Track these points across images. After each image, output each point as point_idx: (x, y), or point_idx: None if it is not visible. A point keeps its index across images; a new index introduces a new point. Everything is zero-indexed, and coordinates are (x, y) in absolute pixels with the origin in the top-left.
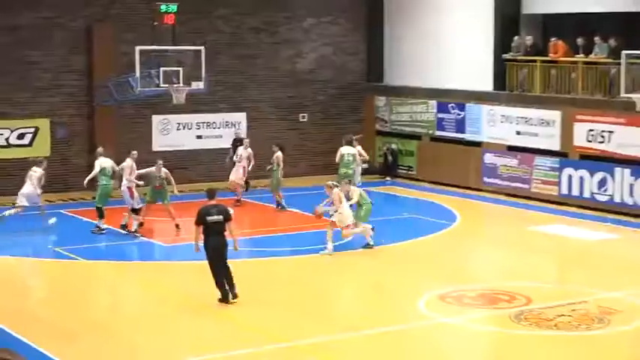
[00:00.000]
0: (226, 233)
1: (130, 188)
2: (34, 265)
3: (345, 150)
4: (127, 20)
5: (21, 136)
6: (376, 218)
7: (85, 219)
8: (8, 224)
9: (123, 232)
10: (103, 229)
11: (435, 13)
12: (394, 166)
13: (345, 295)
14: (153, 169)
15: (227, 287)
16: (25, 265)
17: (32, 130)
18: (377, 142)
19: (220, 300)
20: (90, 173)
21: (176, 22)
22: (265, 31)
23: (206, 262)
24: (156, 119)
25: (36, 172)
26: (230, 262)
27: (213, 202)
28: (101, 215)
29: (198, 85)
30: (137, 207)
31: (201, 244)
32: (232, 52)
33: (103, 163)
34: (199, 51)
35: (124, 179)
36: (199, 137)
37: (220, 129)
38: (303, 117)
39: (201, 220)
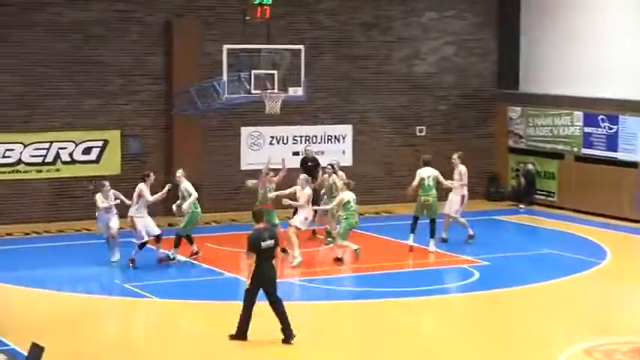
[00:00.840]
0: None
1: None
2: (101, 305)
3: (425, 172)
4: (213, 14)
5: (87, 151)
6: (509, 254)
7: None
8: (74, 255)
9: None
10: (173, 259)
11: (583, 9)
12: (530, 191)
13: (464, 345)
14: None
15: (281, 327)
16: (90, 304)
17: (100, 143)
18: (509, 162)
19: (233, 337)
20: (167, 195)
21: (271, 17)
22: (377, 27)
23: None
24: (245, 132)
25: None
26: (328, 304)
27: (261, 225)
28: (177, 244)
29: (296, 92)
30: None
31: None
32: (337, 53)
33: (188, 187)
34: (298, 51)
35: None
36: (296, 154)
37: (322, 144)
38: (421, 130)
39: (255, 247)
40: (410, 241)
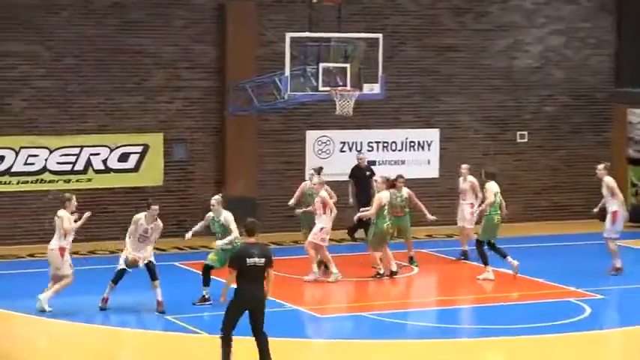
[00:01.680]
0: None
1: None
2: (140, 340)
3: (496, 187)
4: None
5: (124, 158)
6: (628, 285)
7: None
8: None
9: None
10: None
11: None
12: None
13: None
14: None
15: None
16: (128, 339)
17: (139, 149)
18: (629, 175)
19: None
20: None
21: (343, 0)
22: (470, 12)
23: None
24: (312, 136)
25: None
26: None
27: (252, 239)
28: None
29: (373, 89)
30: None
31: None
32: (422, 43)
33: (229, 220)
34: (375, 40)
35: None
36: (372, 163)
37: (403, 151)
38: (522, 136)
39: (236, 262)
40: (513, 268)
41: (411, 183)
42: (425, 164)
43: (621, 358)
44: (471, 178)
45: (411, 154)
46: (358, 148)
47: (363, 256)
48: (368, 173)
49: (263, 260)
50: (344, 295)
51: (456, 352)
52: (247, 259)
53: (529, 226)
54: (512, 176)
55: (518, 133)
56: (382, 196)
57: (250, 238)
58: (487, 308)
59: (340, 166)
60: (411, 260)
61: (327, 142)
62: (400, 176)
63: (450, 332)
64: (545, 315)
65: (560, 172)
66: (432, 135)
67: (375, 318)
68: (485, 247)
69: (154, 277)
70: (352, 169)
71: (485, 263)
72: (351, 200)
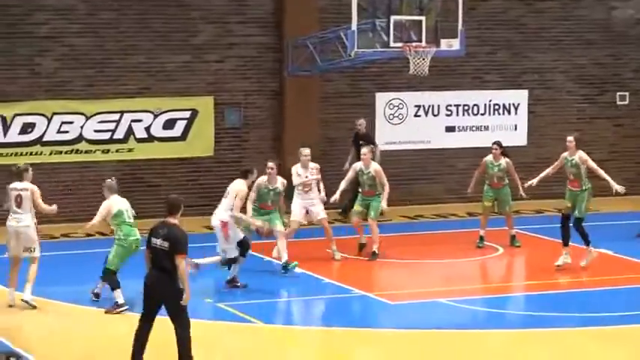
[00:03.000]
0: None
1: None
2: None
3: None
4: None
5: (170, 124)
6: None
7: (266, 257)
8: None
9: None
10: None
11: None
12: None
13: None
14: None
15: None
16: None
17: (187, 114)
18: None
19: None
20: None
21: None
22: None
23: None
24: (382, 99)
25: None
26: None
27: (171, 219)
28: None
29: (452, 45)
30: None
31: None
32: None
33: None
34: None
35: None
36: (451, 129)
37: (486, 116)
38: (623, 98)
39: (147, 243)
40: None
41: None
42: (511, 130)
43: None
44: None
45: (496, 119)
46: (435, 113)
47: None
48: (361, 142)
49: (167, 244)
50: (412, 280)
51: (551, 343)
52: (152, 239)
53: (634, 200)
54: (612, 143)
55: (618, 94)
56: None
57: (169, 216)
58: (586, 294)
59: (415, 133)
60: (512, 240)
61: (400, 106)
62: (497, 143)
63: (543, 321)
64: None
65: None
66: (520, 97)
67: (448, 304)
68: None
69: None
70: (354, 136)
71: (588, 243)
72: (346, 166)
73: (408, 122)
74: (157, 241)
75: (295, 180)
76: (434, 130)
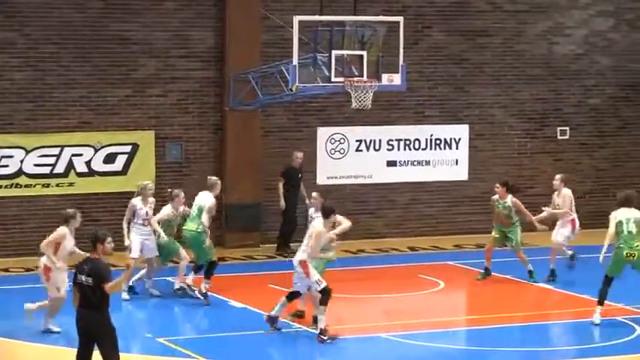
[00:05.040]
0: None
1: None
2: None
3: (624, 214)
4: None
5: (110, 159)
6: None
7: (217, 294)
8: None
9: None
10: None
11: None
12: None
13: None
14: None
15: None
16: None
17: (128, 149)
18: None
19: None
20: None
21: None
22: None
23: None
24: (324, 134)
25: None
26: None
27: (93, 254)
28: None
29: (393, 80)
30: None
31: None
32: (449, 27)
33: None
34: (396, 24)
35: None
36: (392, 164)
37: (428, 150)
38: (564, 133)
39: (73, 280)
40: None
41: (437, 186)
42: (452, 165)
43: None
44: (566, 190)
45: (437, 154)
46: (377, 147)
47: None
48: (300, 175)
49: (91, 280)
50: (353, 315)
51: None
52: (78, 276)
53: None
54: (552, 178)
55: (559, 129)
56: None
57: (92, 251)
58: (523, 328)
59: (356, 168)
60: (530, 274)
61: (342, 141)
62: (500, 182)
63: (478, 356)
64: (588, 335)
65: (607, 173)
66: (461, 132)
67: (397, 340)
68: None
69: None
70: (286, 169)
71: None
72: (282, 203)
73: (350, 157)
74: (82, 278)
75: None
76: (375, 165)
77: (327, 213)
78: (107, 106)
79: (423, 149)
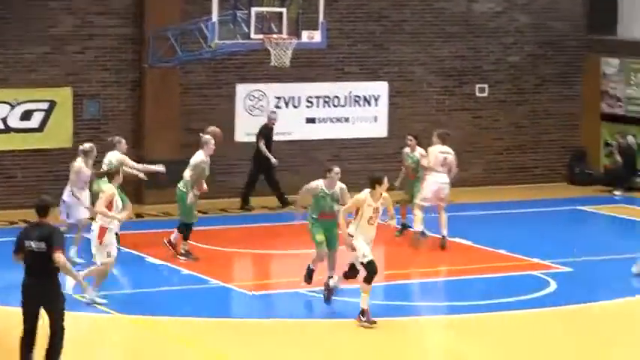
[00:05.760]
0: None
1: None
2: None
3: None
4: None
5: (27, 116)
6: (598, 257)
7: (135, 251)
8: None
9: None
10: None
11: None
12: (629, 173)
13: None
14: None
15: None
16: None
17: (45, 105)
18: (602, 133)
19: None
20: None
21: None
22: None
23: None
24: (242, 90)
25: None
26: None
27: (42, 220)
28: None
29: (312, 37)
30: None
31: None
32: None
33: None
34: None
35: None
36: (311, 121)
37: (347, 107)
38: (482, 90)
39: (17, 246)
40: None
41: (356, 143)
42: (372, 122)
43: (588, 335)
44: (421, 150)
45: (356, 111)
46: (296, 104)
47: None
48: (272, 134)
49: (43, 244)
50: (272, 271)
51: (407, 331)
52: (26, 242)
53: (489, 191)
54: (471, 134)
55: (478, 86)
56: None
57: (40, 217)
58: (439, 283)
59: (276, 125)
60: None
61: (261, 98)
62: (411, 134)
63: (400, 310)
64: (506, 290)
65: (525, 130)
66: (380, 89)
67: (315, 296)
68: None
69: None
70: (262, 127)
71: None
72: (274, 162)
73: (268, 114)
74: (32, 243)
75: None
76: (294, 122)
77: (372, 183)
78: (24, 63)
79: (343, 106)
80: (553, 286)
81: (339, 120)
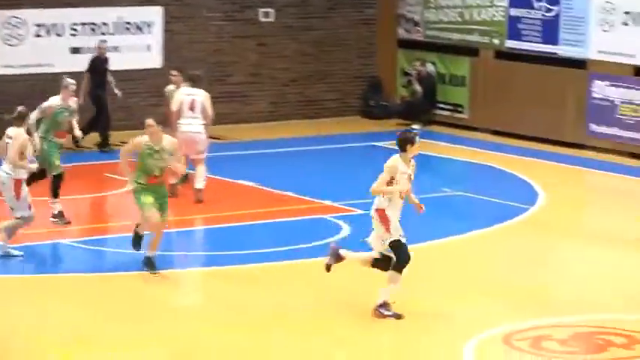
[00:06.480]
0: None
1: None
2: None
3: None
4: None
5: None
6: None
7: None
8: None
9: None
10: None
11: None
12: (429, 104)
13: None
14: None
15: None
16: None
17: None
18: (398, 61)
19: None
20: None
21: None
22: None
23: None
24: None
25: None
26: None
27: None
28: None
29: None
30: None
31: None
32: None
33: None
34: None
35: None
36: (76, 51)
37: (115, 35)
38: (267, 15)
39: None
40: None
41: (128, 75)
42: (144, 51)
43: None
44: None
45: (127, 39)
46: (59, 32)
47: None
48: (106, 66)
49: None
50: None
51: (175, 284)
52: None
53: (276, 127)
54: (255, 64)
55: (261, 10)
56: None
57: None
58: (223, 229)
59: (36, 56)
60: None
61: (19, 25)
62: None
63: (169, 261)
64: (294, 236)
65: (314, 59)
66: (154, 14)
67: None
68: None
69: None
70: (92, 61)
71: None
72: (118, 94)
73: (28, 44)
74: None
75: None
76: (58, 54)
77: (402, 144)
78: None
79: (111, 34)
80: (346, 230)
81: (107, 49)
